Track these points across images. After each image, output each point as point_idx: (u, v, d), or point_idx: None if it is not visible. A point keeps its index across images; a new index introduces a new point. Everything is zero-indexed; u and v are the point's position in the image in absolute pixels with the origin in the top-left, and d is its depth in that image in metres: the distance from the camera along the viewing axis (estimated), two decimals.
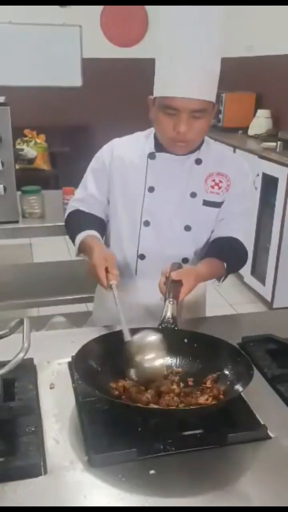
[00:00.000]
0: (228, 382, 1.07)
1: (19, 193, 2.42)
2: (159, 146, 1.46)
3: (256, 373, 1.16)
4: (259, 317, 1.72)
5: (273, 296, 3.47)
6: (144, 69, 5.48)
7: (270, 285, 3.49)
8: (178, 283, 1.26)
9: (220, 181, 1.48)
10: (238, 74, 4.86)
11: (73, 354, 1.11)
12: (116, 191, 1.51)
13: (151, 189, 1.47)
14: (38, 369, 1.18)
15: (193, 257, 1.52)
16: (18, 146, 4.94)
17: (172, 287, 1.26)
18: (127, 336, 1.11)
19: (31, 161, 5.05)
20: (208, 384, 1.08)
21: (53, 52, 5.42)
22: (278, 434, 0.99)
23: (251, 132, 4.27)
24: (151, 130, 1.51)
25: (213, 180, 1.47)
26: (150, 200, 1.48)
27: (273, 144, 3.65)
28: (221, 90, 4.57)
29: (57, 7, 5.28)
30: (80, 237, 1.45)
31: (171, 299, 1.24)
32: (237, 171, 1.51)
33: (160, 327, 1.20)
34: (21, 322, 1.02)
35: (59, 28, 5.38)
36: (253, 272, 3.76)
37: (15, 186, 2.34)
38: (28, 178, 3.47)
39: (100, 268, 1.28)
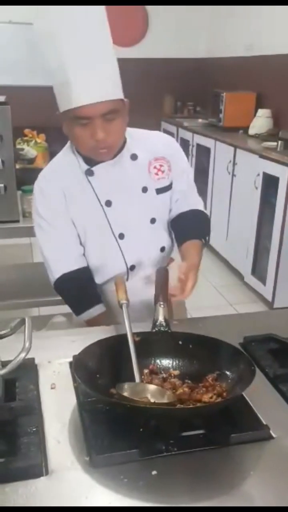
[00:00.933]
0: (229, 380, 1.07)
1: (19, 192, 2.42)
2: (89, 160, 1.43)
3: (258, 373, 1.16)
4: (260, 317, 1.72)
5: (273, 295, 3.46)
6: (144, 69, 5.51)
7: (270, 285, 3.48)
8: (167, 284, 1.29)
9: (161, 165, 1.49)
10: (238, 74, 4.86)
11: (74, 353, 1.11)
12: (78, 217, 1.47)
13: (108, 203, 1.45)
14: (39, 369, 1.18)
15: (166, 243, 1.58)
16: (18, 146, 4.93)
17: (161, 291, 1.27)
18: (137, 378, 1.08)
19: (31, 160, 5.04)
20: (210, 381, 1.08)
21: None
22: (280, 434, 0.99)
23: (251, 131, 4.26)
24: (69, 148, 1.49)
25: (155, 167, 1.49)
26: (112, 214, 1.46)
27: (274, 143, 3.65)
28: (221, 89, 4.61)
29: None
30: (90, 314, 1.49)
31: (161, 303, 1.25)
32: (170, 149, 1.53)
33: (153, 330, 1.21)
34: (22, 322, 1.02)
35: None
36: (254, 272, 3.76)
37: (15, 186, 2.34)
38: (28, 177, 3.45)
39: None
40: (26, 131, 5.09)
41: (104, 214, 1.46)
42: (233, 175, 3.98)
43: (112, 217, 1.46)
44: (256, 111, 4.37)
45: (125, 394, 1.01)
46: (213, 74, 5.31)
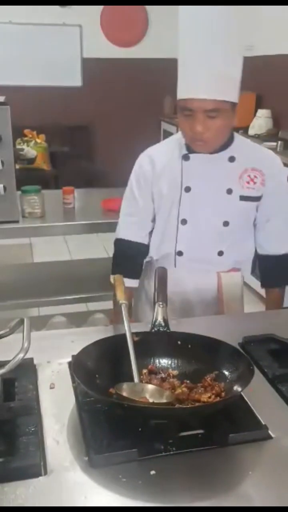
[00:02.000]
0: (228, 380, 1.07)
1: (19, 193, 2.42)
2: (190, 148, 1.53)
3: (257, 373, 1.16)
4: (260, 317, 1.72)
5: None
6: (144, 69, 5.51)
7: None
8: (165, 286, 1.31)
9: (255, 176, 1.53)
10: None
11: (74, 353, 1.11)
12: (160, 196, 1.58)
13: (188, 189, 1.53)
14: (38, 369, 1.18)
15: (227, 250, 1.61)
16: (18, 146, 4.94)
17: (160, 291, 1.27)
18: (136, 378, 1.08)
19: (31, 161, 5.05)
20: (209, 381, 1.08)
21: (53, 52, 5.42)
22: (279, 434, 0.99)
23: (251, 132, 4.27)
24: (179, 134, 1.59)
25: (248, 176, 1.53)
26: (186, 200, 1.55)
27: (274, 143, 3.65)
28: None
29: (57, 7, 5.28)
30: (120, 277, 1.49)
31: (160, 303, 1.25)
32: (270, 165, 1.57)
33: (152, 330, 1.21)
34: (21, 322, 1.02)
35: (59, 28, 5.38)
36: (253, 272, 3.75)
37: (15, 186, 2.34)
38: (28, 178, 3.46)
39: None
40: (26, 131, 5.10)
41: (179, 197, 1.55)
42: None
43: (184, 202, 1.55)
44: (255, 111, 4.38)
45: (124, 394, 1.01)
46: None
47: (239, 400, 1.04)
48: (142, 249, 1.66)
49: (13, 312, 2.52)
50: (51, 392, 1.11)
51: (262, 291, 3.58)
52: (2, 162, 2.24)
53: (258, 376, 1.16)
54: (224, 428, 0.98)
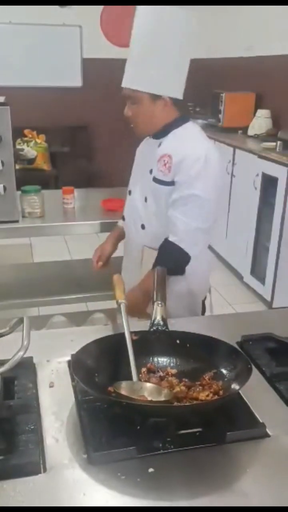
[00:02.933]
0: (226, 379, 1.08)
1: (19, 193, 2.42)
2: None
3: (255, 371, 1.17)
4: (258, 316, 1.72)
5: (272, 295, 3.47)
6: None
7: (269, 285, 3.49)
8: (164, 285, 1.32)
9: (167, 162, 1.65)
10: (238, 74, 4.87)
11: (73, 352, 1.11)
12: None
13: (136, 165, 1.86)
14: (38, 368, 1.18)
15: (148, 225, 1.77)
16: (18, 146, 4.95)
17: (159, 290, 1.27)
18: (134, 377, 1.09)
19: (31, 161, 5.06)
20: (207, 379, 1.08)
21: (53, 52, 5.43)
22: (277, 433, 1.00)
23: (251, 132, 4.27)
24: None
25: (163, 161, 1.66)
26: (132, 173, 1.88)
27: (273, 144, 3.66)
28: (221, 90, 4.61)
29: (57, 7, 5.29)
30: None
31: (159, 302, 1.26)
32: (181, 158, 1.61)
33: (151, 329, 1.21)
34: (20, 321, 1.02)
35: (59, 28, 5.39)
36: (253, 272, 3.77)
37: (15, 186, 2.34)
38: (28, 178, 3.47)
39: (94, 255, 1.93)
40: (26, 131, 5.11)
41: (131, 173, 1.88)
42: (232, 175, 3.99)
43: (132, 175, 1.89)
44: (255, 112, 4.38)
45: (123, 392, 1.02)
46: (212, 75, 5.32)
47: (237, 399, 1.05)
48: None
49: (13, 312, 2.53)
50: (51, 391, 1.12)
51: (263, 291, 3.60)
52: (2, 162, 2.24)
53: (256, 374, 1.16)
54: (222, 426, 0.98)
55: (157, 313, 1.24)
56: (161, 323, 1.22)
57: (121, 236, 1.97)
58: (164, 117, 1.68)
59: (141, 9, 1.61)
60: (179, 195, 1.64)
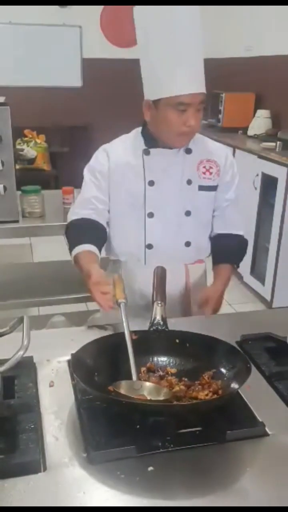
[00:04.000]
0: (225, 378, 1.08)
1: (19, 193, 2.43)
2: (150, 143, 1.56)
3: (254, 370, 1.17)
4: (258, 316, 1.73)
5: (272, 295, 3.47)
6: None
7: (269, 285, 3.49)
8: (164, 285, 1.32)
9: (211, 167, 1.60)
10: (238, 74, 4.87)
11: (73, 352, 1.12)
12: (118, 191, 1.59)
13: (151, 183, 1.57)
14: (38, 367, 1.19)
15: (194, 240, 1.64)
16: (18, 146, 4.94)
17: (159, 290, 1.28)
18: (134, 376, 1.10)
19: (31, 161, 5.06)
20: (207, 379, 1.09)
21: (53, 52, 5.42)
22: (276, 431, 1.00)
23: (250, 132, 4.27)
24: (138, 130, 1.61)
25: (204, 167, 1.60)
26: (151, 193, 1.57)
27: (273, 144, 3.66)
28: (221, 90, 4.61)
29: (57, 7, 5.29)
30: (76, 250, 1.51)
31: (159, 302, 1.27)
32: (225, 158, 1.63)
33: (151, 329, 1.22)
34: (21, 320, 1.03)
35: (59, 28, 5.39)
36: (253, 272, 3.77)
37: (15, 186, 2.35)
38: (28, 178, 3.47)
39: (97, 292, 1.33)
40: (26, 131, 5.11)
41: (144, 192, 1.57)
42: None
43: (149, 196, 1.58)
44: (255, 112, 4.38)
45: (122, 391, 1.02)
46: (212, 75, 5.30)
47: (237, 398, 1.05)
48: (100, 225, 1.59)
49: (13, 312, 2.54)
50: (51, 390, 1.12)
51: (262, 291, 3.60)
52: (2, 162, 2.25)
53: (255, 374, 1.17)
54: (222, 425, 0.99)
55: (157, 312, 1.25)
56: (161, 322, 1.23)
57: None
58: None
59: (179, 9, 1.45)
60: (234, 194, 1.65)
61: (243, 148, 3.84)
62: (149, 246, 1.60)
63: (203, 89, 1.46)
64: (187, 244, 1.63)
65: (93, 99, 5.60)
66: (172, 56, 1.42)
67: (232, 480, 0.90)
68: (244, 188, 3.77)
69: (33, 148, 5.06)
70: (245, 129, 4.35)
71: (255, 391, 1.09)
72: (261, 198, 3.59)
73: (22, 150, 4.99)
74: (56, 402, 1.08)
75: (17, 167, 3.58)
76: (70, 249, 1.55)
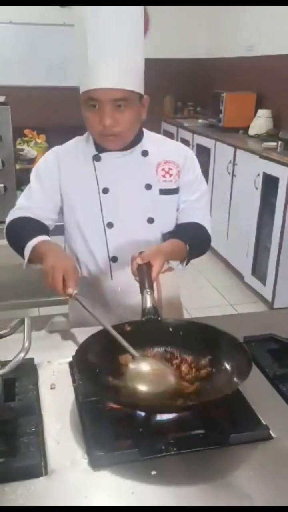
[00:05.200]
0: (227, 371, 1.08)
1: (19, 192, 2.42)
2: (99, 147, 1.46)
3: (258, 372, 1.16)
4: (260, 317, 1.72)
5: (273, 296, 3.46)
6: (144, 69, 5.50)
7: (270, 285, 3.48)
8: (150, 271, 1.26)
9: (170, 169, 1.49)
10: (238, 74, 4.87)
11: (74, 354, 1.11)
12: (71, 199, 1.49)
13: (105, 190, 1.46)
14: (39, 369, 1.18)
15: None
16: (18, 146, 4.93)
17: (146, 277, 1.24)
18: (133, 352, 1.10)
19: (31, 161, 5.04)
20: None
21: (53, 52, 5.42)
22: (280, 434, 0.99)
23: (251, 132, 4.26)
24: (86, 134, 1.52)
25: (163, 169, 1.48)
26: (107, 202, 1.47)
27: (274, 144, 3.65)
28: (221, 90, 4.61)
29: (57, 7, 5.28)
30: (32, 243, 1.37)
31: (147, 289, 1.23)
32: (184, 157, 1.51)
33: (143, 319, 1.19)
34: (21, 322, 1.02)
35: (59, 28, 5.38)
36: (254, 272, 3.76)
37: (15, 186, 2.34)
38: (28, 178, 3.46)
39: (57, 274, 1.23)
40: (26, 131, 5.09)
41: (99, 201, 1.46)
42: (233, 175, 3.98)
43: (105, 204, 1.46)
44: (256, 112, 4.37)
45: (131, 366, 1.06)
46: (213, 75, 5.31)
47: (240, 400, 1.04)
48: (46, 228, 1.50)
49: (13, 312, 2.52)
50: (52, 392, 1.11)
51: (263, 292, 3.59)
52: (2, 162, 2.24)
53: (258, 375, 1.16)
54: (225, 428, 0.98)
55: (148, 301, 1.21)
56: (153, 311, 1.20)
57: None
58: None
59: (97, 8, 1.29)
60: (195, 195, 1.52)
61: (244, 148, 3.84)
62: (114, 259, 1.50)
63: (121, 86, 1.30)
64: None
65: None
66: (87, 49, 1.29)
67: (236, 484, 0.89)
68: (245, 188, 3.76)
69: (33, 148, 5.04)
70: (246, 129, 4.34)
71: (259, 393, 1.08)
72: (262, 198, 3.58)
73: (22, 150, 4.97)
74: (57, 405, 1.07)
75: (17, 167, 3.57)
76: (19, 247, 1.40)
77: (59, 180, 1.48)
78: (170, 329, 1.19)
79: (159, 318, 1.20)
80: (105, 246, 1.50)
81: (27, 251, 1.37)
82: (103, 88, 1.29)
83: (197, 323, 1.19)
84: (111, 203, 1.47)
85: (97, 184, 1.46)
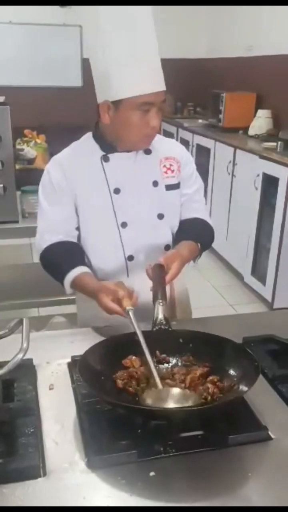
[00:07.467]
0: (235, 378, 1.07)
1: (19, 193, 2.42)
2: (107, 148, 1.47)
3: None
4: (260, 318, 1.72)
5: (273, 296, 3.46)
6: None
7: (270, 285, 3.48)
8: (163, 283, 1.28)
9: (171, 165, 1.53)
10: (238, 74, 4.86)
11: (73, 354, 1.11)
12: (83, 206, 1.49)
13: (117, 191, 1.48)
14: (38, 370, 1.18)
15: (172, 243, 1.56)
16: (18, 146, 4.92)
17: (159, 288, 1.26)
18: (159, 385, 1.08)
19: (31, 161, 5.03)
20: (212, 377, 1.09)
21: (53, 52, 5.42)
22: (279, 435, 0.99)
23: (251, 132, 4.26)
24: (89, 136, 1.53)
25: (165, 166, 1.53)
26: (119, 202, 1.48)
27: (274, 144, 3.64)
28: (221, 90, 4.60)
29: (57, 7, 5.28)
30: (70, 278, 1.41)
31: (160, 300, 1.24)
32: (182, 154, 1.58)
33: (154, 329, 1.20)
34: (20, 322, 1.01)
35: (59, 28, 5.38)
36: (254, 272, 3.76)
37: (15, 186, 2.34)
38: (28, 178, 3.45)
39: (111, 305, 1.24)
40: (26, 131, 5.08)
41: (111, 201, 1.47)
42: (233, 175, 3.98)
43: (118, 205, 1.48)
44: (256, 112, 4.37)
45: (149, 401, 1.02)
46: (213, 75, 5.31)
47: (239, 401, 1.03)
48: (77, 245, 1.51)
49: (13, 313, 2.52)
50: (50, 393, 1.11)
51: (263, 292, 3.59)
52: (2, 162, 2.24)
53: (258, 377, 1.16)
54: (224, 429, 0.97)
55: (159, 312, 1.23)
56: (164, 322, 1.21)
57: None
58: None
59: (132, 8, 1.38)
60: (194, 187, 1.59)
61: (244, 148, 3.83)
62: (130, 258, 1.51)
63: (164, 87, 1.38)
64: (167, 247, 1.55)
65: (93, 99, 5.58)
66: (132, 55, 1.33)
67: (235, 485, 0.89)
68: (245, 188, 3.76)
69: (33, 148, 5.03)
70: (246, 129, 4.34)
71: (258, 394, 1.07)
72: (262, 198, 3.58)
73: (22, 150, 4.96)
74: (56, 406, 1.06)
75: (17, 167, 3.56)
76: (60, 275, 1.44)
77: (70, 188, 1.48)
78: (181, 340, 1.18)
79: (170, 329, 1.21)
80: (121, 246, 1.50)
81: (67, 284, 1.43)
82: (158, 91, 1.35)
83: (208, 335, 1.18)
84: (123, 203, 1.48)
85: (108, 186, 1.47)
